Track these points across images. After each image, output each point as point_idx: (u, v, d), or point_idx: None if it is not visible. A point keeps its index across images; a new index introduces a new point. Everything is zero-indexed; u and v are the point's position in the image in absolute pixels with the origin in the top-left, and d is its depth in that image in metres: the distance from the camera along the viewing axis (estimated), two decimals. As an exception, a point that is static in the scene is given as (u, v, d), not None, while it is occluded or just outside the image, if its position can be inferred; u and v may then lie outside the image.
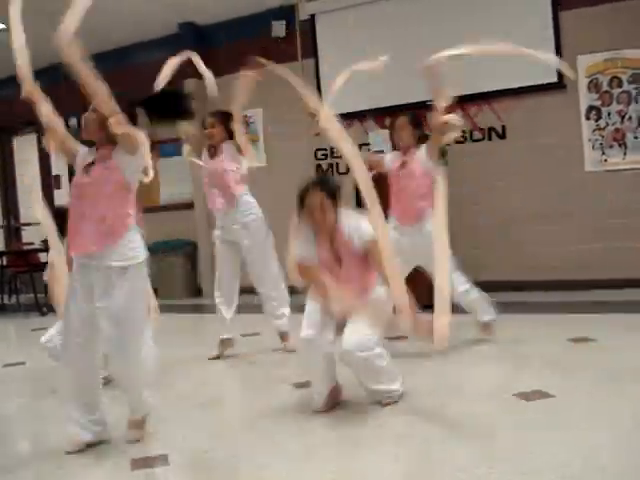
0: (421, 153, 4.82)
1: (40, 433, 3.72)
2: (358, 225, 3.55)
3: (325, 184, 3.66)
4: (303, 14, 8.01)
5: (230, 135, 5.18)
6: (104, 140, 3.24)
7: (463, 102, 7.22)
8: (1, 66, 9.63)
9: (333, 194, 3.59)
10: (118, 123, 3.09)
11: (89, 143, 3.40)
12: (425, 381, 3.98)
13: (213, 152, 5.24)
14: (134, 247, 3.20)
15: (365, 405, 3.57)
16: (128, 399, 3.33)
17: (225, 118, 5.26)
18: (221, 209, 5.11)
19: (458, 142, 7.29)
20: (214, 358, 5.03)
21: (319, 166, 8.07)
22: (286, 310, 5.13)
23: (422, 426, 3.25)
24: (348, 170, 7.83)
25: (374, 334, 3.45)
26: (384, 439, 3.14)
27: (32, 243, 9.52)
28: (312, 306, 3.56)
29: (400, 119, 4.99)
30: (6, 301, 9.37)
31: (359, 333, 3.40)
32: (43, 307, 8.11)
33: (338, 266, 3.59)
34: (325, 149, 8.03)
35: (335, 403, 3.62)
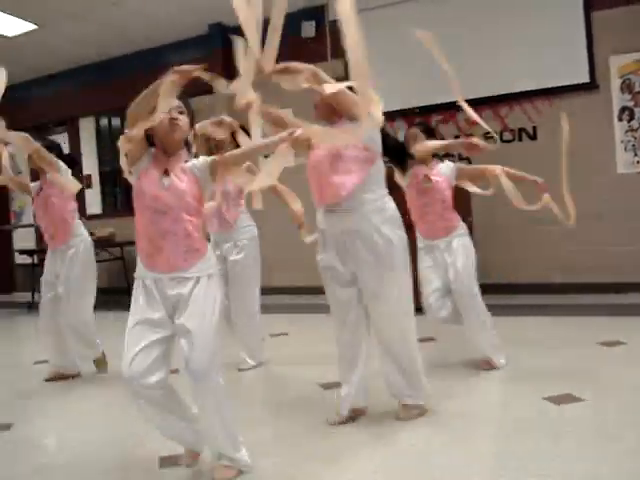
0: (443, 166, 4.57)
1: (70, 427, 3.76)
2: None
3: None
4: (333, 14, 7.99)
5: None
6: (180, 146, 3.00)
7: (494, 102, 7.18)
8: (35, 66, 9.78)
9: None
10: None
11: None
12: (452, 384, 3.96)
13: None
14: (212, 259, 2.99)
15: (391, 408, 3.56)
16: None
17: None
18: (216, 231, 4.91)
19: (488, 143, 7.25)
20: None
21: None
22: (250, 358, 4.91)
23: (451, 428, 3.23)
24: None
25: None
26: (414, 438, 3.13)
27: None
28: None
29: (411, 131, 4.63)
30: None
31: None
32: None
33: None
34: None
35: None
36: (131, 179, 2.92)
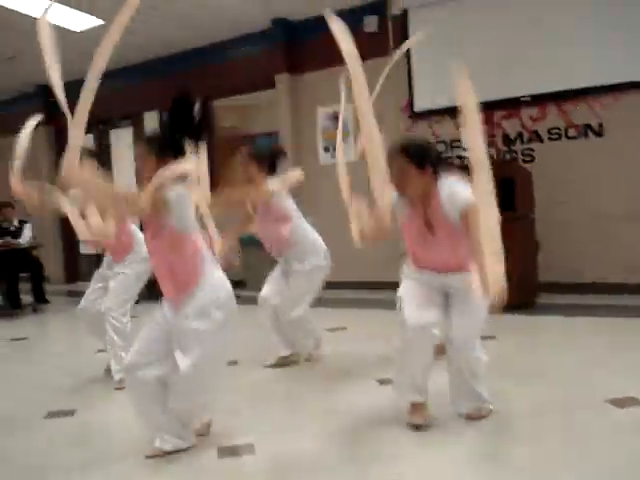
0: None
1: (126, 419, 3.83)
2: (455, 191, 3.17)
3: (408, 149, 3.29)
4: (395, 9, 7.95)
5: (272, 169, 4.78)
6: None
7: (558, 98, 7.05)
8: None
9: (419, 159, 3.24)
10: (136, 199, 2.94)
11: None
12: (514, 385, 3.91)
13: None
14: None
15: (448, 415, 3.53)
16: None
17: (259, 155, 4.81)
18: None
19: (553, 139, 7.13)
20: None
21: (408, 162, 7.99)
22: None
23: (514, 431, 3.20)
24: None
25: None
26: (468, 442, 3.10)
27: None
28: (410, 286, 3.35)
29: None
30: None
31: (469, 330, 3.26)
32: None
33: (430, 235, 3.26)
34: (415, 145, 7.94)
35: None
36: None
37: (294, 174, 4.76)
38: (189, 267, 3.00)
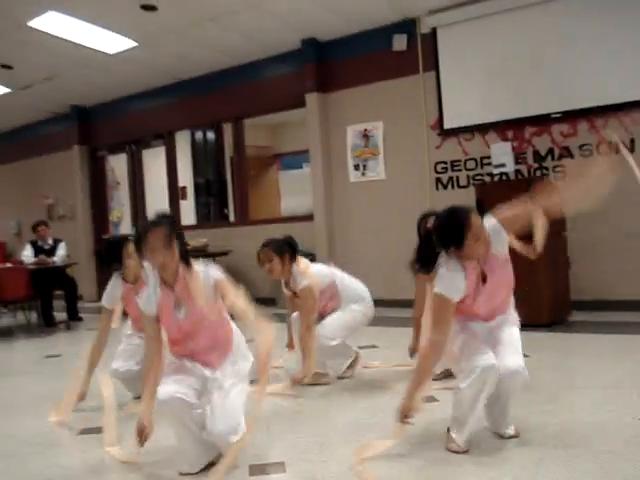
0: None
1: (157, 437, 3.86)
2: (492, 222, 3.20)
3: (470, 219, 3.11)
4: (424, 27, 7.98)
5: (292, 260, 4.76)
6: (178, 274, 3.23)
7: (589, 114, 7.01)
8: (135, 82, 10.14)
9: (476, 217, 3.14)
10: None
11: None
12: (546, 403, 3.88)
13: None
14: None
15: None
16: None
17: (279, 247, 4.75)
18: None
19: (584, 156, 7.08)
20: None
21: (438, 179, 7.99)
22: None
23: (544, 445, 3.17)
24: (469, 183, 7.77)
25: None
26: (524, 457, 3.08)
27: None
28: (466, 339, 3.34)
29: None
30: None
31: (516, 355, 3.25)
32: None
33: (482, 285, 3.22)
34: (445, 162, 7.94)
35: None
36: None
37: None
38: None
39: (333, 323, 4.77)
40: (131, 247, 4.15)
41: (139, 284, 4.13)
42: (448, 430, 3.28)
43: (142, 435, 3.03)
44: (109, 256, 4.56)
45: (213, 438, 3.10)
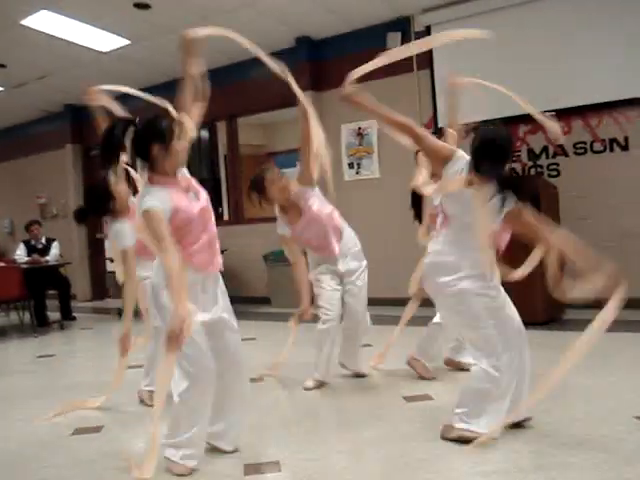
0: None
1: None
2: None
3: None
4: (418, 26, 7.98)
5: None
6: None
7: (583, 112, 7.02)
8: (128, 80, 10.10)
9: None
10: None
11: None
12: (542, 401, 3.87)
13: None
14: None
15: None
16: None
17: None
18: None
19: (579, 154, 7.09)
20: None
21: (432, 178, 7.98)
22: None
23: (539, 444, 3.16)
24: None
25: None
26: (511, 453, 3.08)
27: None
28: None
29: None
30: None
31: None
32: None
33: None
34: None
35: None
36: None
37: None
38: None
39: (364, 296, 4.77)
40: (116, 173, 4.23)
41: (131, 212, 4.26)
42: None
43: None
44: (95, 200, 4.42)
45: None
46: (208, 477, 3.08)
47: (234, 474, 3.08)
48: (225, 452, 3.31)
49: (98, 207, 4.40)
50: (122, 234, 4.33)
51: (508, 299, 3.41)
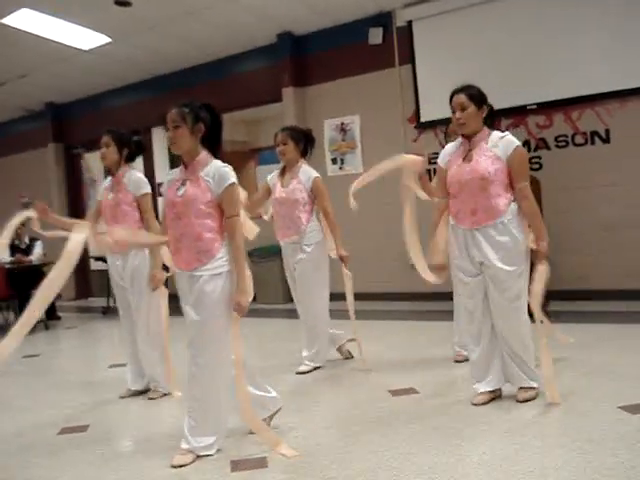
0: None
1: (141, 428, 3.85)
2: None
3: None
4: (400, 21, 7.99)
5: (304, 154, 5.06)
6: (192, 155, 3.30)
7: (565, 105, 7.05)
8: (110, 78, 10.03)
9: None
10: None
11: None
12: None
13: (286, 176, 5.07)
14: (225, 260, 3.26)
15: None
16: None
17: (299, 134, 5.04)
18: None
19: (560, 147, 7.13)
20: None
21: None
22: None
23: (526, 434, 3.19)
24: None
25: None
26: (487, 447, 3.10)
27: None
28: None
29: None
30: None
31: None
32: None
33: None
34: (422, 155, 7.93)
35: None
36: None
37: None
38: None
39: (311, 294, 4.97)
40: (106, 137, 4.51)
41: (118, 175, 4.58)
42: None
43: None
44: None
45: None
46: (194, 474, 3.08)
47: (221, 470, 3.09)
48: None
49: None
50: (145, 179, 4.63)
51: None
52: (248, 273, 3.32)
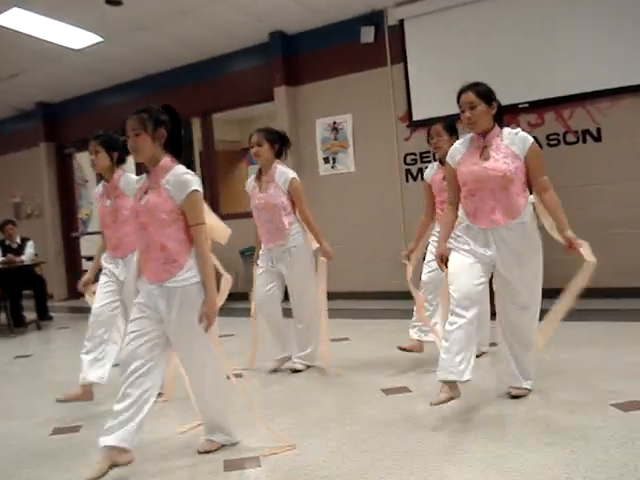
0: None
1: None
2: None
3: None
4: (392, 19, 7.99)
5: (279, 155, 4.91)
6: (155, 161, 3.17)
7: (556, 104, 7.07)
8: (101, 77, 10.00)
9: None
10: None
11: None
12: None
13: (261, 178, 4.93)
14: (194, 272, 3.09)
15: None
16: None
17: (274, 136, 4.90)
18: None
19: (552, 145, 7.14)
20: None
21: (408, 171, 8.01)
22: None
23: (519, 433, 3.20)
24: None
25: None
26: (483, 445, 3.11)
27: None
28: None
29: (435, 126, 4.83)
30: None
31: None
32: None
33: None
34: (414, 154, 7.96)
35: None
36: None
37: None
38: None
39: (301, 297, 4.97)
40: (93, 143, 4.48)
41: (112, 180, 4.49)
42: None
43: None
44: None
45: None
46: (188, 473, 3.08)
47: (214, 470, 3.09)
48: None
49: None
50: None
51: None
52: (228, 277, 3.29)
